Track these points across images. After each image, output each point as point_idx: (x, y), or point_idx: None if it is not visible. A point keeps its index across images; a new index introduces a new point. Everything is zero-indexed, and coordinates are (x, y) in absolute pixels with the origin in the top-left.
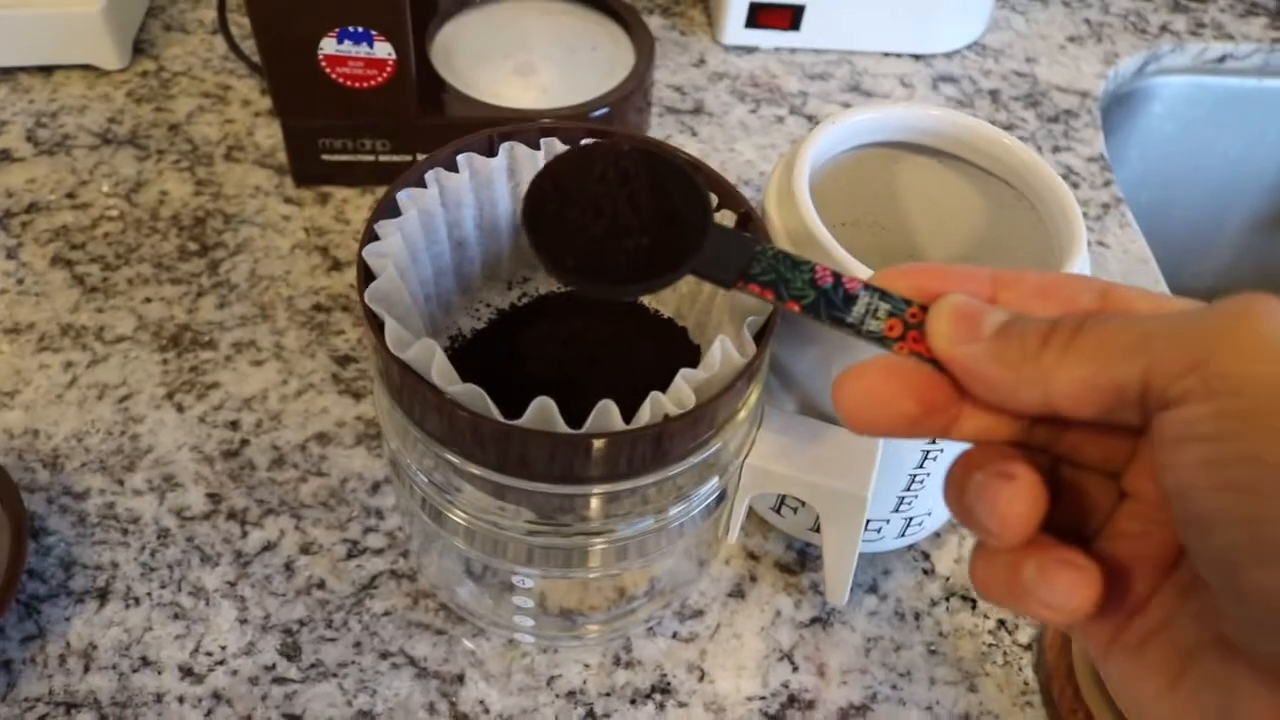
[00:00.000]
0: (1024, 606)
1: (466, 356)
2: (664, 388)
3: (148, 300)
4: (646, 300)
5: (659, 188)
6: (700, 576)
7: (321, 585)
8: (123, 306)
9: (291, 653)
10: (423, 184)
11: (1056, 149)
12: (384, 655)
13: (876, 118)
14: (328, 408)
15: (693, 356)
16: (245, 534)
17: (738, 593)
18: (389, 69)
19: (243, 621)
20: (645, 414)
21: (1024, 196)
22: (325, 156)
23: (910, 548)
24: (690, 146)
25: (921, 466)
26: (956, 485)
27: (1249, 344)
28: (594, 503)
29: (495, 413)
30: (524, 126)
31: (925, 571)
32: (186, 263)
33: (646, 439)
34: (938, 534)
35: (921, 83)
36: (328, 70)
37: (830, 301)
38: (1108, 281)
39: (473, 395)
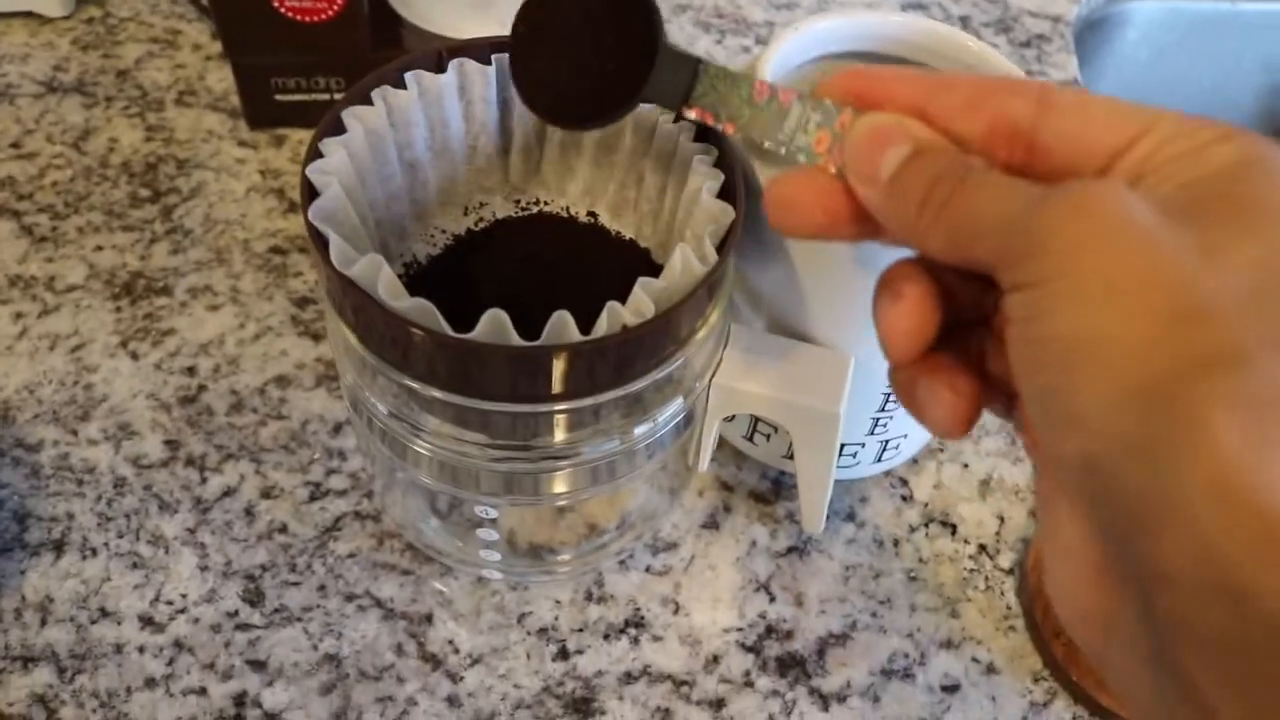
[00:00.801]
0: (920, 419)
1: (421, 283)
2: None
3: (99, 249)
4: (606, 220)
5: (618, 18)
6: (672, 508)
7: (283, 529)
8: (73, 255)
9: (254, 598)
10: (369, 102)
11: (1029, 74)
12: (349, 598)
13: (840, 25)
14: (287, 350)
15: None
16: (204, 480)
17: (711, 524)
18: (339, 2)
19: (203, 569)
20: (603, 325)
21: None
22: (278, 97)
23: (887, 474)
24: None
25: None
26: (875, 301)
27: (1065, 238)
28: (556, 422)
29: (445, 327)
30: (474, 41)
31: (903, 498)
32: (138, 209)
33: (607, 350)
34: (915, 460)
35: (890, 9)
36: (276, 4)
37: (763, 119)
38: (1047, 85)
39: (422, 310)
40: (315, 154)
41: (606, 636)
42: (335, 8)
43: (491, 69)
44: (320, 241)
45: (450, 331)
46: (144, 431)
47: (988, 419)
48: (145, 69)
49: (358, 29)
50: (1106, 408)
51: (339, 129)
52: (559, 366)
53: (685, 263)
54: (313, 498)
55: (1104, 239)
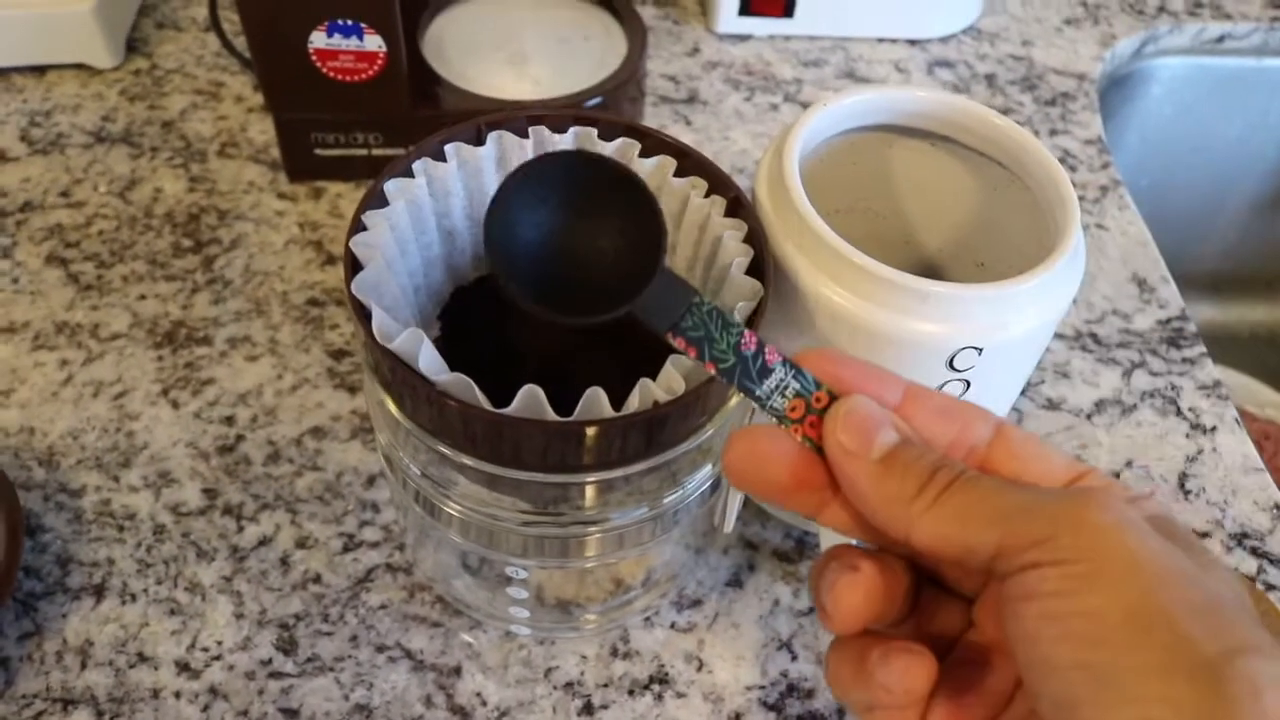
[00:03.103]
0: (868, 692)
1: (457, 348)
2: (655, 374)
3: (142, 297)
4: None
5: (618, 213)
6: (697, 566)
7: (317, 579)
8: (117, 304)
9: (288, 647)
10: (410, 174)
11: (1054, 132)
12: (380, 649)
13: (867, 100)
14: (323, 402)
15: None
16: (241, 529)
17: (735, 582)
18: (380, 62)
19: (239, 616)
20: (635, 401)
21: (1017, 178)
22: (318, 151)
23: None
24: (685, 135)
25: None
26: (817, 573)
27: (1090, 526)
28: (587, 491)
29: (483, 401)
30: (512, 114)
31: None
32: (180, 259)
33: (637, 426)
34: None
35: (917, 68)
36: (318, 64)
37: (746, 370)
38: (1001, 420)
39: (461, 384)
40: (359, 226)
41: (631, 692)
42: (376, 68)
43: (529, 141)
44: (363, 314)
45: (488, 405)
46: (183, 479)
47: None
48: (189, 120)
49: (397, 88)
50: (1169, 679)
51: (382, 201)
52: (590, 440)
53: None
54: (346, 549)
55: (1130, 530)
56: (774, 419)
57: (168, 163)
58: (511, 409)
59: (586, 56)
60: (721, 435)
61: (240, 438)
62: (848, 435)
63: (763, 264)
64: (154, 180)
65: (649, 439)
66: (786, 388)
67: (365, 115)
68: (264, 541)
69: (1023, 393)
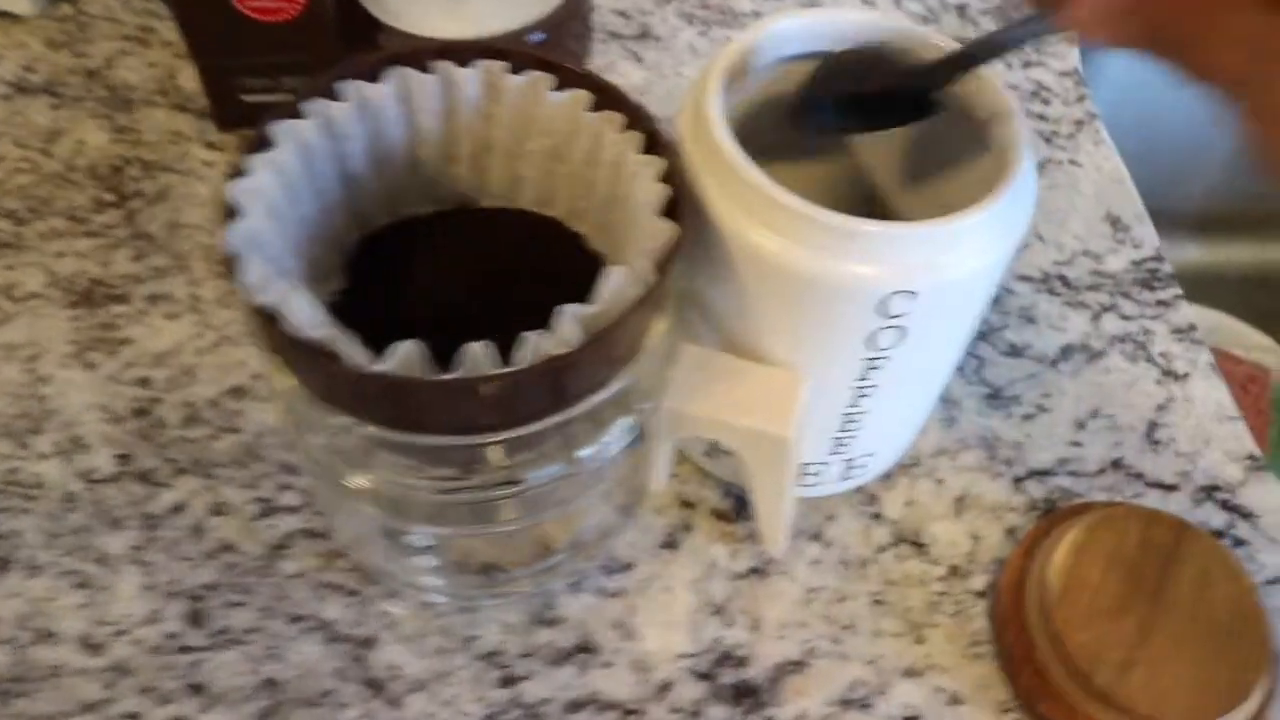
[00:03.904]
0: None
1: (363, 300)
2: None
3: (60, 255)
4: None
5: None
6: (628, 526)
7: (231, 548)
8: (34, 263)
9: (197, 619)
10: (301, 115)
11: (1028, 64)
12: (294, 619)
13: (798, 25)
14: (244, 360)
15: (591, 265)
16: (154, 496)
17: (670, 543)
18: (301, 1)
19: (148, 588)
20: (528, 354)
21: (967, 108)
22: (245, 97)
23: (858, 490)
24: (636, 73)
25: (855, 405)
26: None
27: None
28: (492, 452)
29: (357, 357)
30: (416, 48)
31: (873, 516)
32: (101, 214)
33: (529, 381)
34: (887, 475)
35: (884, 1)
36: (237, 4)
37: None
38: None
39: (338, 340)
40: (239, 172)
41: (554, 662)
42: (298, 7)
43: (434, 78)
44: (234, 267)
45: (365, 364)
46: (95, 445)
47: (967, 433)
48: (116, 68)
49: (323, 29)
50: None
51: (267, 144)
52: (478, 399)
53: (619, 284)
54: (263, 514)
55: None
56: None
57: (91, 113)
58: (390, 365)
59: None
60: (637, 389)
61: (156, 400)
62: None
63: (678, 203)
64: (76, 132)
65: (548, 395)
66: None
67: (291, 58)
68: (177, 509)
69: (983, 338)
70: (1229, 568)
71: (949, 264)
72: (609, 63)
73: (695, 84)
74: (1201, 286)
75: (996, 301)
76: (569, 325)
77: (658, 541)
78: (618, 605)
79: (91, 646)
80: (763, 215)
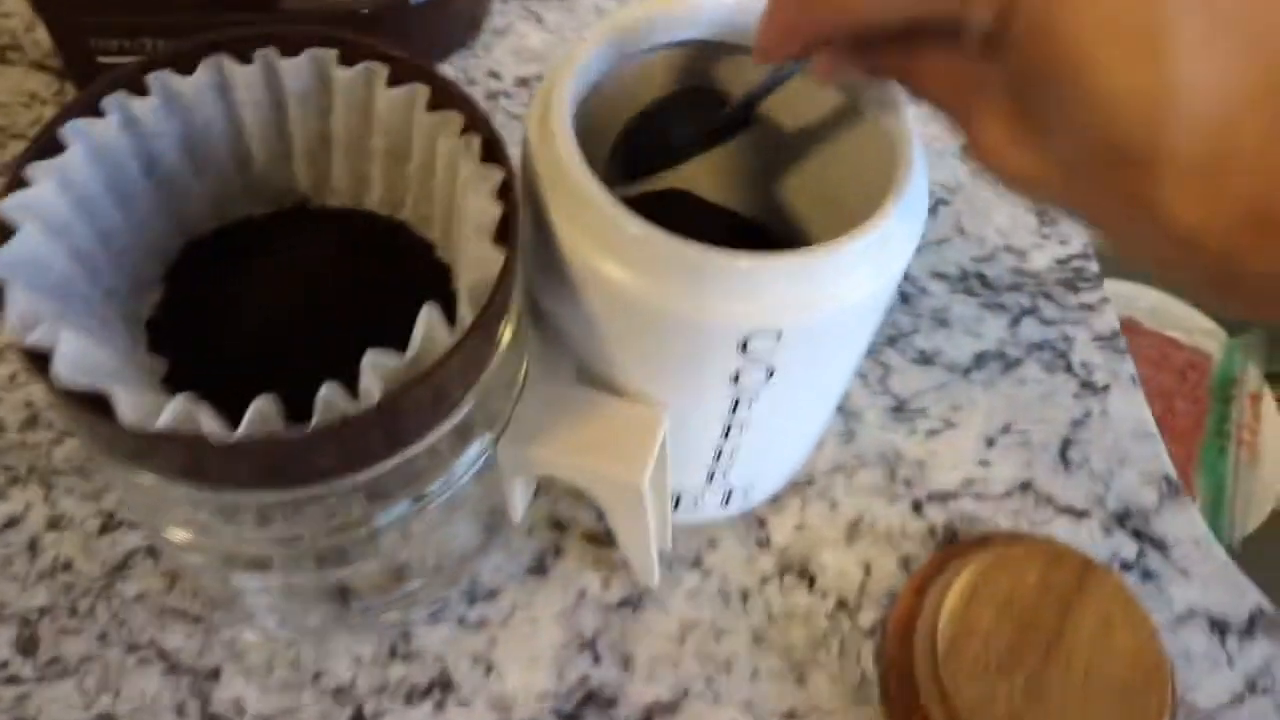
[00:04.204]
0: None
1: (184, 312)
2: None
3: None
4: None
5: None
6: (493, 549)
7: (69, 566)
8: None
9: (28, 647)
10: (98, 113)
11: None
12: (132, 648)
13: (660, 16)
14: None
15: (438, 277)
16: None
17: (539, 568)
18: None
19: None
20: (320, 412)
21: (857, 106)
22: (101, 59)
23: (744, 513)
24: (535, 37)
25: (726, 438)
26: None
27: None
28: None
29: (135, 410)
30: (239, 34)
31: (759, 542)
32: None
33: (324, 438)
34: (777, 496)
35: None
36: None
37: None
38: None
39: (110, 387)
40: (20, 183)
41: (409, 699)
42: None
43: (255, 67)
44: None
45: (141, 419)
46: None
47: (867, 449)
48: None
49: None
50: None
51: (56, 149)
52: (270, 458)
53: (430, 331)
54: (104, 529)
55: None
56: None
57: None
58: (168, 420)
59: None
60: (481, 414)
61: None
62: None
63: (509, 225)
64: None
65: (357, 450)
66: None
67: (146, 19)
68: (12, 522)
69: (891, 343)
70: (1132, 613)
71: (817, 300)
72: (507, 24)
73: (546, 80)
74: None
75: (907, 302)
76: (370, 379)
77: (525, 566)
78: (479, 638)
79: None
80: (607, 241)
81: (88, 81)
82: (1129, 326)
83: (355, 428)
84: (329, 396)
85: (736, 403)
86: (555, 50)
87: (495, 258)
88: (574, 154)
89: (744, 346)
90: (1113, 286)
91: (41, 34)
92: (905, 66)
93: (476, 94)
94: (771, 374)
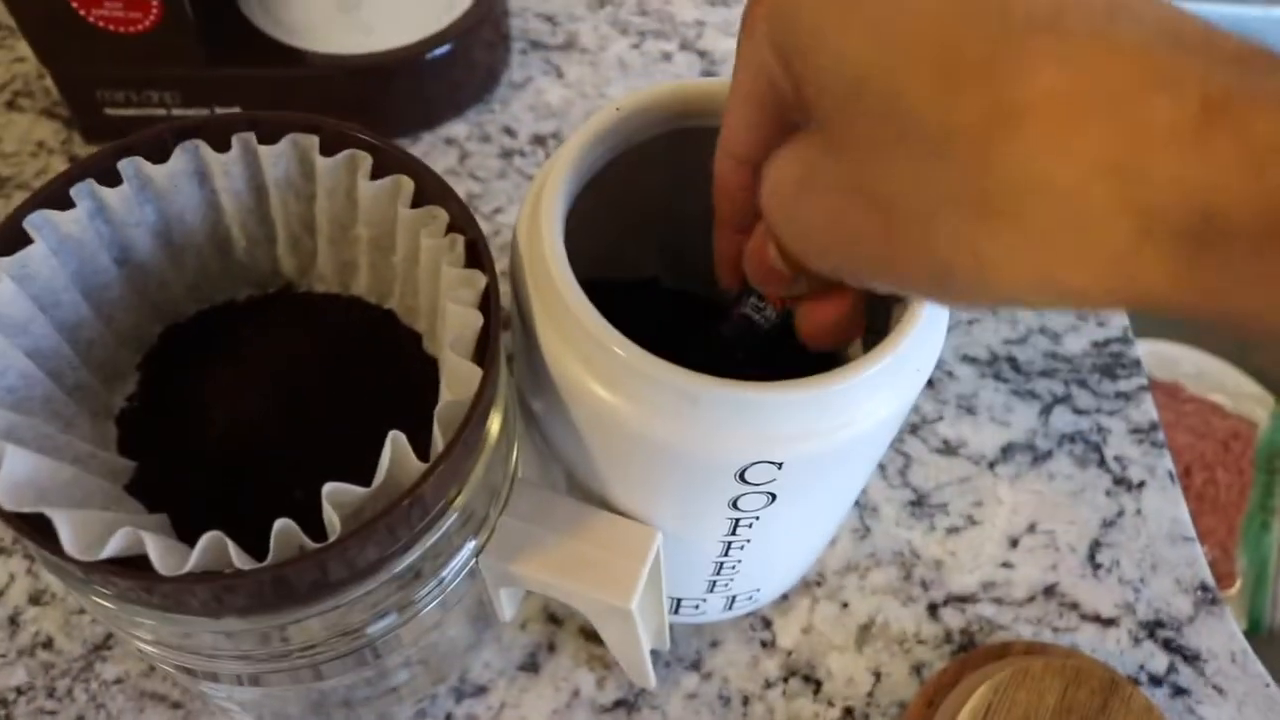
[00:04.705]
0: None
1: (159, 402)
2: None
3: None
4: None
5: None
6: (484, 644)
7: (49, 644)
8: None
9: None
10: (67, 203)
11: None
12: None
13: (664, 101)
14: None
15: (426, 371)
16: None
17: (530, 665)
18: (154, 11)
19: None
20: (279, 546)
21: None
22: (109, 111)
23: (749, 614)
24: (554, 92)
25: (727, 555)
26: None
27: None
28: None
29: (66, 537)
30: (211, 119)
31: (763, 644)
32: None
33: (297, 570)
34: (785, 595)
35: None
36: (81, 11)
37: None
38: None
39: (54, 511)
40: None
41: None
42: (152, 18)
43: (233, 154)
44: None
45: (84, 550)
46: None
47: (882, 547)
48: None
49: (185, 40)
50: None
51: (19, 241)
52: (232, 592)
53: (396, 459)
54: (85, 608)
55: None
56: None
57: None
58: (114, 549)
59: None
60: (471, 516)
61: None
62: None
63: (486, 343)
64: None
65: (322, 580)
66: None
67: (154, 71)
68: None
69: (913, 431)
70: None
71: (821, 431)
72: (527, 78)
73: (536, 182)
74: (1194, 325)
75: (931, 386)
76: (330, 513)
77: (517, 662)
78: None
79: None
80: (597, 362)
81: (94, 131)
82: (1171, 391)
83: (317, 560)
84: (284, 531)
85: (736, 524)
86: (574, 107)
87: (471, 377)
88: (561, 265)
89: (742, 475)
90: (1154, 348)
91: (52, 82)
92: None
93: (490, 151)
94: (773, 499)
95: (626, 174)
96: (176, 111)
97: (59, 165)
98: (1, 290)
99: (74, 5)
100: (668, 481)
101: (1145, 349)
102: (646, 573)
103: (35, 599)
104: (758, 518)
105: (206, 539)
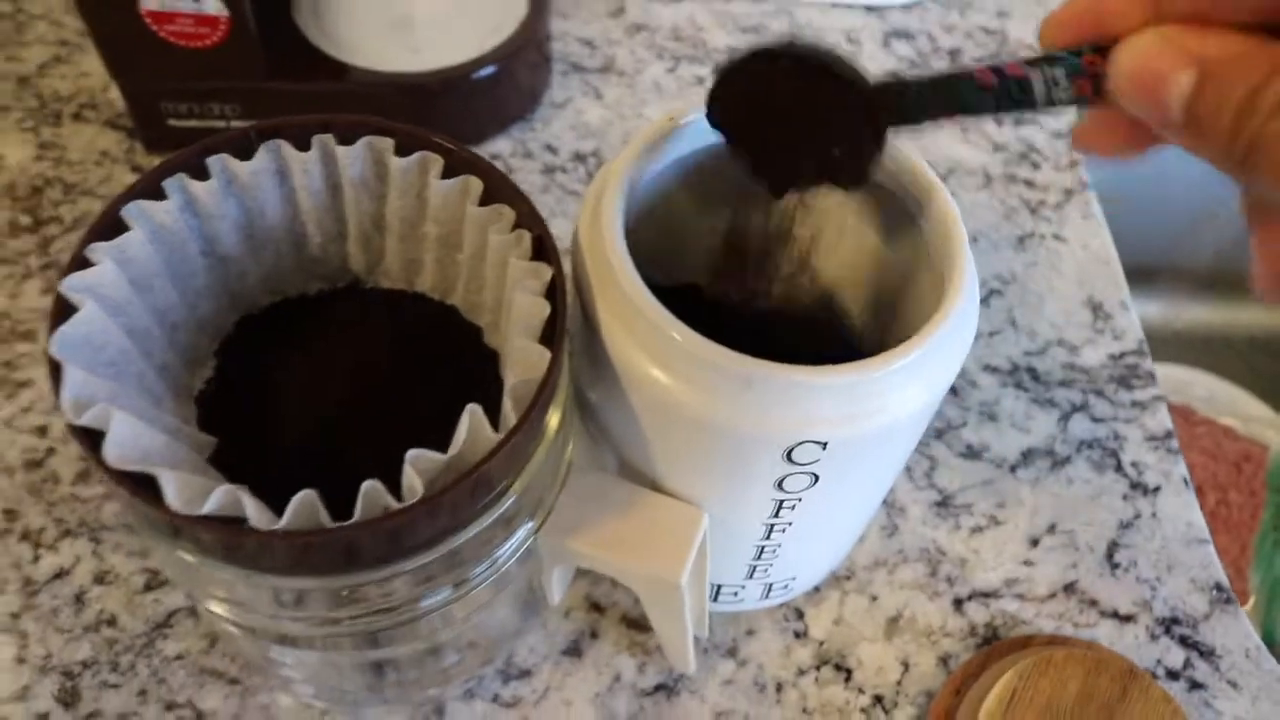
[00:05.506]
0: None
1: (235, 386)
2: (454, 404)
3: None
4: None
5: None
6: (530, 630)
7: (112, 621)
8: None
9: (69, 699)
10: (160, 194)
11: (1019, 122)
12: (169, 706)
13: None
14: None
15: (487, 363)
16: (37, 558)
17: (574, 650)
18: (223, 27)
19: (20, 661)
20: (361, 508)
21: (910, 213)
22: (172, 122)
23: (782, 604)
24: (594, 111)
25: (769, 538)
26: None
27: None
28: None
29: (169, 493)
30: (290, 121)
31: (796, 634)
32: (16, 239)
33: (366, 533)
34: (817, 588)
35: (870, 39)
36: (154, 27)
37: (1009, 96)
38: None
39: (159, 470)
40: (82, 262)
41: None
42: (219, 34)
43: (313, 153)
44: (58, 378)
45: (185, 504)
46: None
47: (909, 545)
48: (48, 76)
49: (249, 56)
50: None
51: (117, 229)
52: (315, 549)
53: (473, 430)
54: (148, 587)
55: None
56: (1078, 109)
57: (18, 125)
58: (212, 506)
59: (482, 17)
60: (522, 506)
61: (51, 451)
62: (1135, 105)
63: (555, 326)
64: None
65: (396, 543)
66: (1056, 80)
67: (217, 84)
68: (60, 574)
69: (938, 436)
70: None
71: (864, 414)
72: (567, 98)
73: (598, 179)
74: (1207, 350)
75: (956, 394)
76: (412, 476)
77: (561, 648)
78: (512, 716)
79: None
80: (654, 348)
81: (156, 142)
82: (1183, 414)
83: (396, 523)
84: (371, 491)
85: (779, 505)
86: (612, 127)
87: (541, 358)
88: (622, 257)
89: (789, 455)
90: (1166, 372)
91: (115, 93)
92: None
93: (533, 168)
94: (816, 480)
95: (673, 185)
96: (235, 123)
97: (122, 173)
98: (104, 271)
99: (147, 21)
100: (718, 462)
101: (1157, 372)
102: (695, 550)
103: (100, 579)
104: (800, 499)
105: (300, 498)
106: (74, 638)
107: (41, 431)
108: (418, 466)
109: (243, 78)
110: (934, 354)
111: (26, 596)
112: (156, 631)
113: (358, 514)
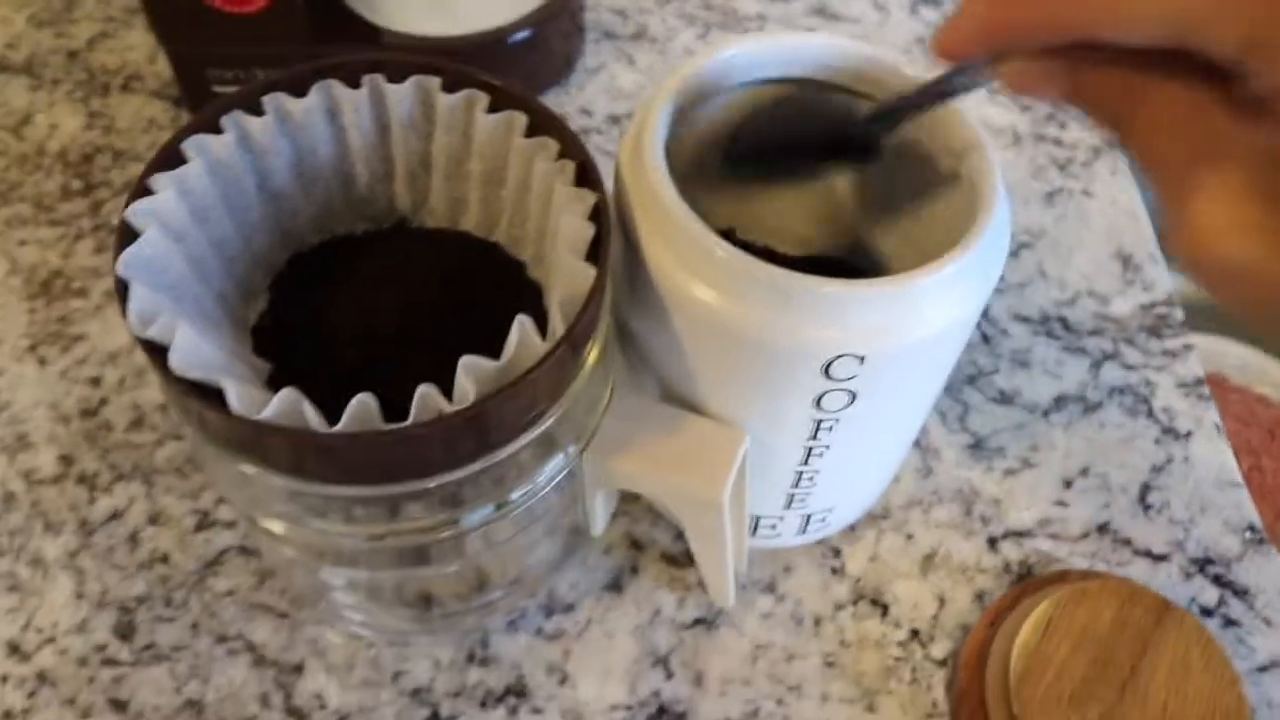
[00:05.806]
0: None
1: (287, 320)
2: (498, 333)
3: (23, 243)
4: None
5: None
6: (571, 565)
7: (165, 559)
8: None
9: (126, 632)
10: (217, 129)
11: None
12: (221, 639)
13: (757, 51)
14: None
15: (530, 295)
16: (93, 500)
17: (614, 585)
18: None
19: (79, 596)
20: (417, 410)
21: (941, 147)
22: (216, 88)
23: (819, 542)
24: (626, 77)
25: (807, 463)
26: None
27: None
28: (404, 501)
29: (244, 401)
30: (345, 61)
31: (833, 570)
32: (68, 202)
33: (424, 437)
34: (852, 527)
35: (899, 6)
36: None
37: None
38: None
39: (223, 379)
40: (144, 191)
41: (484, 704)
42: (264, 0)
43: (363, 92)
44: (124, 297)
45: (251, 409)
46: (40, 444)
47: (943, 485)
48: (97, 50)
49: (292, 21)
50: None
51: (176, 161)
52: (371, 452)
53: (524, 339)
54: (199, 528)
55: None
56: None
57: (68, 96)
58: (273, 412)
59: None
60: (564, 426)
61: (104, 400)
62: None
63: (600, 245)
64: (51, 115)
65: (458, 444)
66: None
67: (262, 50)
68: (115, 515)
69: (971, 381)
70: (1212, 657)
71: (901, 327)
72: (600, 64)
73: (639, 112)
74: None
75: (988, 342)
76: (465, 381)
77: (602, 583)
78: (555, 648)
79: (18, 653)
80: (697, 265)
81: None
82: (1216, 382)
83: (450, 427)
84: (426, 395)
85: (818, 426)
86: (645, 91)
87: (587, 274)
88: (665, 179)
89: (827, 370)
90: (1199, 341)
91: (161, 65)
92: (1122, 108)
93: None
94: (854, 399)
95: (712, 123)
96: None
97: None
98: (166, 199)
99: None
100: (758, 379)
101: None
102: (735, 468)
103: (154, 519)
104: (838, 419)
105: (357, 401)
106: (129, 575)
107: (95, 382)
108: (471, 371)
109: (286, 43)
110: (970, 268)
111: (84, 536)
112: (208, 569)
113: (413, 416)
